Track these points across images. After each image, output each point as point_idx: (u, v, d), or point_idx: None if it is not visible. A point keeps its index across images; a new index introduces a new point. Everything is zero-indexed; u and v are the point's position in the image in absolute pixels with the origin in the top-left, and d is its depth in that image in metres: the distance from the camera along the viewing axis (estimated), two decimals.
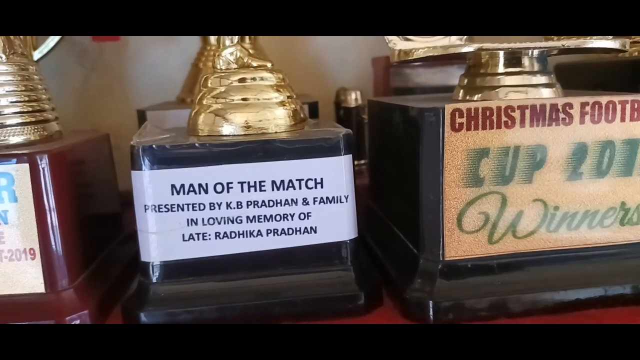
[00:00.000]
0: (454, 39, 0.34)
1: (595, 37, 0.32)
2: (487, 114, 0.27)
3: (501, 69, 0.32)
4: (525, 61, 0.32)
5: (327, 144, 0.29)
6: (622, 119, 0.28)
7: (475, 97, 0.32)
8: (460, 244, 0.28)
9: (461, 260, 0.29)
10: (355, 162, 0.48)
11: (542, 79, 0.32)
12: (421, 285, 0.29)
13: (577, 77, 0.57)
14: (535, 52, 0.31)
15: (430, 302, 0.28)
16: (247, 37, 0.48)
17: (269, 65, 0.33)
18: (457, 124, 0.27)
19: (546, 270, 0.29)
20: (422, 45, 0.33)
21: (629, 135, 0.29)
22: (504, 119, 0.28)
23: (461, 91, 0.33)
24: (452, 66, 0.49)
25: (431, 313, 0.28)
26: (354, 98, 0.46)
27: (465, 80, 0.33)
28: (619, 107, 0.28)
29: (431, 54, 0.31)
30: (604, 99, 0.28)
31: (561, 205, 0.29)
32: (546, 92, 0.31)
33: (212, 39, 0.48)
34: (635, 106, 0.28)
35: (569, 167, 0.28)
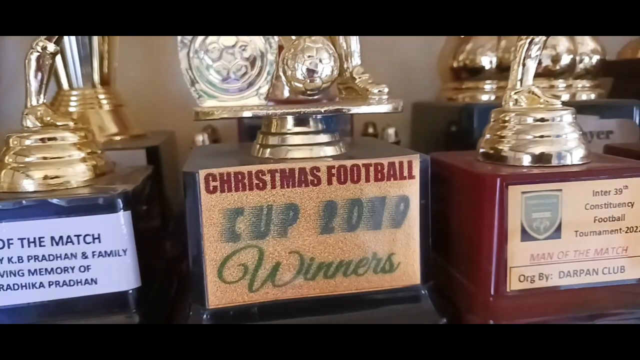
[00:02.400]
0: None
1: (371, 102, 0.35)
2: (239, 178, 0.30)
3: (288, 129, 0.35)
4: (310, 122, 0.35)
5: (104, 202, 0.31)
6: (367, 180, 0.32)
7: (266, 154, 0.35)
8: (223, 293, 0.31)
9: (225, 308, 0.31)
10: None
11: (324, 138, 0.35)
12: None
13: (432, 116, 0.62)
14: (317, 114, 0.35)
15: None
16: (100, 82, 0.51)
17: (71, 124, 0.36)
18: (211, 187, 0.30)
19: (307, 316, 0.32)
20: (221, 104, 0.35)
21: (375, 194, 0.32)
22: (255, 182, 0.31)
23: (256, 147, 0.36)
24: None
25: None
26: (200, 140, 0.49)
27: (260, 138, 0.36)
28: (363, 169, 0.32)
29: (225, 116, 0.34)
30: (349, 163, 0.31)
31: (316, 256, 0.32)
32: (329, 150, 0.35)
33: (65, 84, 0.50)
34: (379, 168, 0.32)
35: (321, 222, 0.32)
